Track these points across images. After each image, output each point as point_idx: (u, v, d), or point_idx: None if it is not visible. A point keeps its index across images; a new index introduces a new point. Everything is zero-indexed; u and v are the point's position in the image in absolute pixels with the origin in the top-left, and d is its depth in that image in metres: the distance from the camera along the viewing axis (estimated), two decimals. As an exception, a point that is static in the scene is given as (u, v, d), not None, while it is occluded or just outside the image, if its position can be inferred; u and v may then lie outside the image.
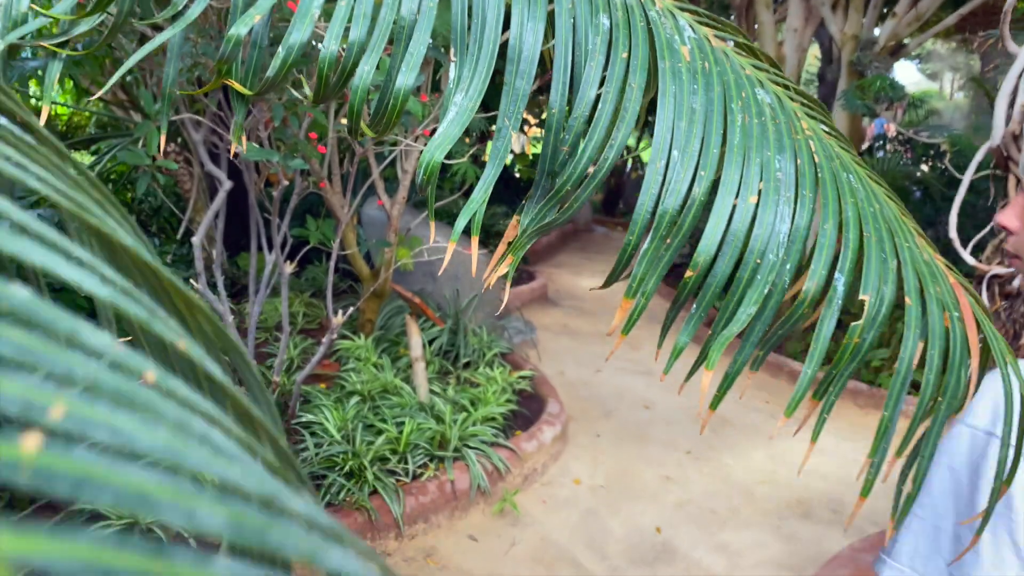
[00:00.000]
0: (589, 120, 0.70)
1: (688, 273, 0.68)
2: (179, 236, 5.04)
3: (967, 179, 1.90)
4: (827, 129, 0.75)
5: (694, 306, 0.68)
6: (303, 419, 3.26)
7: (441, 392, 3.76)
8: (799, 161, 0.70)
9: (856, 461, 4.18)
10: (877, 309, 0.64)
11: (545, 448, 3.53)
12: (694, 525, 3.33)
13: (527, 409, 3.84)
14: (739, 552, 3.15)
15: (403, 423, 3.22)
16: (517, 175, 10.66)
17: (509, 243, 0.73)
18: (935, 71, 23.36)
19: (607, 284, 0.73)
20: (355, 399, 3.50)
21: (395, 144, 3.25)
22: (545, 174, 0.70)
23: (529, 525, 3.17)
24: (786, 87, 0.79)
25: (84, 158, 6.88)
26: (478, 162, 5.98)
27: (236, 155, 3.23)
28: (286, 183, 2.77)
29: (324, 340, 3.08)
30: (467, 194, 6.79)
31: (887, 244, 0.68)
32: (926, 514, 0.79)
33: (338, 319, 3.02)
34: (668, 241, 0.68)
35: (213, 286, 3.38)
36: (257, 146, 2.41)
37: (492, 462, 3.21)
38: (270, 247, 3.24)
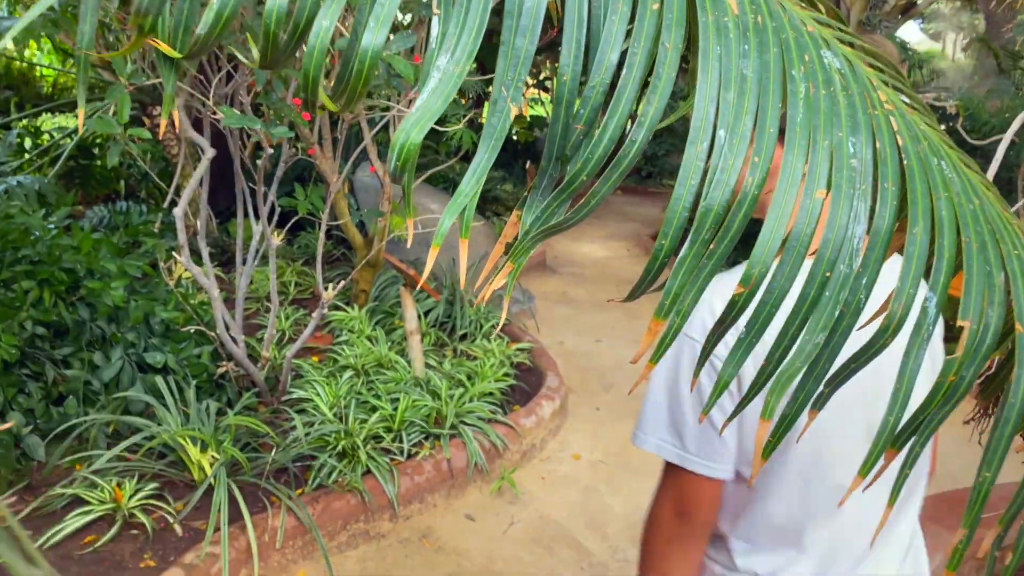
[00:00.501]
0: (610, 90, 0.54)
1: (737, 289, 0.53)
2: (167, 203, 4.87)
3: (1003, 147, 1.72)
4: (909, 101, 0.60)
5: (743, 330, 0.53)
6: (294, 395, 3.12)
7: (437, 366, 3.63)
8: (878, 144, 0.54)
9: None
10: (980, 338, 0.49)
11: (544, 423, 3.41)
12: (696, 502, 3.23)
13: (525, 383, 3.71)
14: (743, 530, 3.05)
15: (398, 399, 3.09)
16: (515, 137, 10.42)
17: (508, 245, 0.58)
18: (938, 31, 22.90)
19: (632, 297, 0.58)
20: (348, 373, 3.36)
21: (387, 109, 3.07)
22: (553, 159, 0.55)
23: (528, 503, 3.06)
24: (852, 45, 0.63)
25: (69, 121, 6.66)
26: (474, 127, 5.77)
27: (220, 120, 3.05)
28: (270, 150, 2.59)
29: (314, 315, 2.93)
30: (465, 158, 6.57)
31: (991, 252, 0.53)
32: (651, 395, 1.02)
33: (328, 293, 2.87)
34: (711, 247, 0.53)
35: (201, 256, 3.21)
36: (238, 112, 2.23)
37: (490, 439, 3.09)
38: (257, 216, 3.08)
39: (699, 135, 0.53)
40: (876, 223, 0.52)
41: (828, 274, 0.51)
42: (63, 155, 4.73)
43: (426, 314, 4.19)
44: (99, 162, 5.95)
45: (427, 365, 3.58)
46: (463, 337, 4.14)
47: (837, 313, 0.51)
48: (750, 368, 0.92)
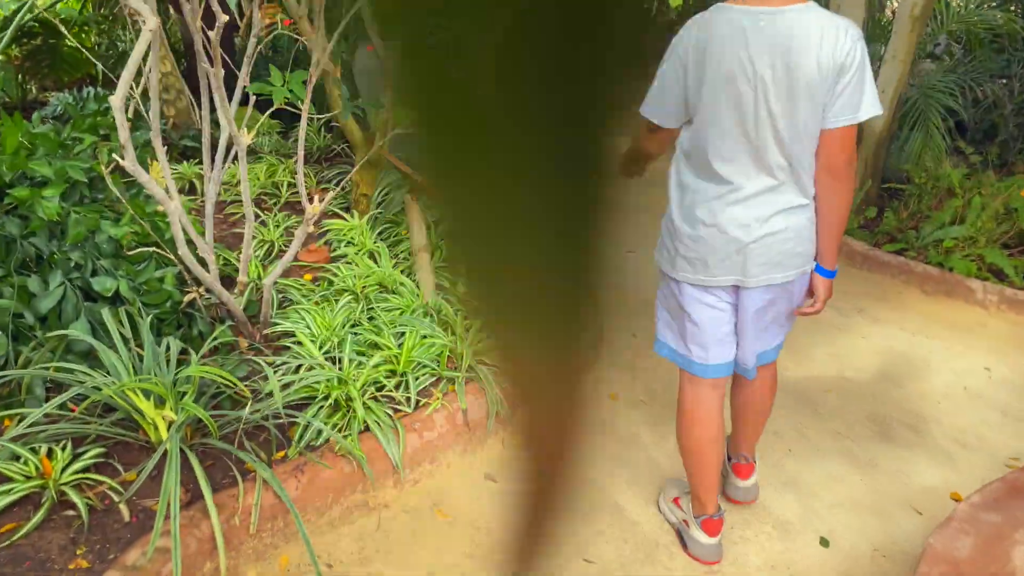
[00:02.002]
0: None
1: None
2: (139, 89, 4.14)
3: None
4: None
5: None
6: (279, 328, 2.55)
7: (451, 287, 3.04)
8: None
9: (930, 362, 3.51)
10: None
11: (576, 358, 2.84)
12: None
13: (554, 308, 3.13)
14: (812, 491, 2.52)
15: (404, 334, 2.52)
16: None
17: None
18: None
19: None
20: (345, 299, 2.78)
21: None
22: None
23: (558, 458, 2.54)
24: None
25: None
26: None
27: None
28: (225, 18, 1.90)
29: (297, 233, 2.31)
30: None
31: None
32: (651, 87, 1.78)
33: (314, 208, 2.24)
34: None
35: (168, 155, 2.56)
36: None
37: (514, 382, 2.53)
38: (230, 103, 2.41)
39: None
40: None
41: None
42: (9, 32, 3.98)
43: (437, 224, 3.56)
44: (68, 42, 5.19)
45: (438, 287, 2.99)
46: (480, 250, 3.53)
47: None
48: (691, 66, 1.66)
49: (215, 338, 2.37)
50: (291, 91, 2.26)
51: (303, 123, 2.21)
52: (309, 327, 2.52)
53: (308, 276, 3.11)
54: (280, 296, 2.83)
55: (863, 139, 4.85)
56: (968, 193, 4.78)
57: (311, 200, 2.26)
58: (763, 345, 1.97)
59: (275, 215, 3.56)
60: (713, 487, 2.08)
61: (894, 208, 4.92)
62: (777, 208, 1.72)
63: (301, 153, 2.23)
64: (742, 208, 1.71)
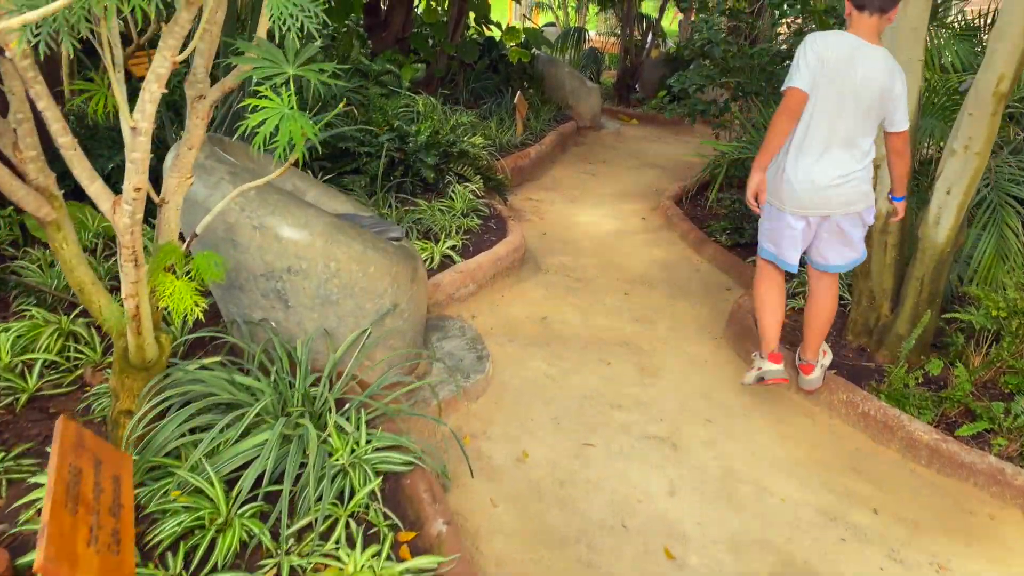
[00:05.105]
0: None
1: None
2: None
3: None
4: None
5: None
6: None
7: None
8: None
9: None
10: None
11: None
12: None
13: None
14: None
15: None
16: (506, 53, 7.86)
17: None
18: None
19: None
20: None
21: None
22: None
23: None
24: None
25: None
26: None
27: None
28: None
29: None
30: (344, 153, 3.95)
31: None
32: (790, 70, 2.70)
33: None
34: None
35: None
36: None
37: None
38: None
39: None
40: None
41: None
42: None
43: (245, 467, 2.00)
44: None
45: None
46: (306, 530, 1.97)
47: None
48: (817, 64, 2.53)
49: None
50: None
51: None
52: None
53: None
54: None
55: (921, 256, 3.32)
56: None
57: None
58: (831, 255, 2.88)
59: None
60: (766, 334, 3.00)
61: (960, 353, 3.37)
62: (838, 167, 2.65)
63: None
64: (817, 167, 2.65)
